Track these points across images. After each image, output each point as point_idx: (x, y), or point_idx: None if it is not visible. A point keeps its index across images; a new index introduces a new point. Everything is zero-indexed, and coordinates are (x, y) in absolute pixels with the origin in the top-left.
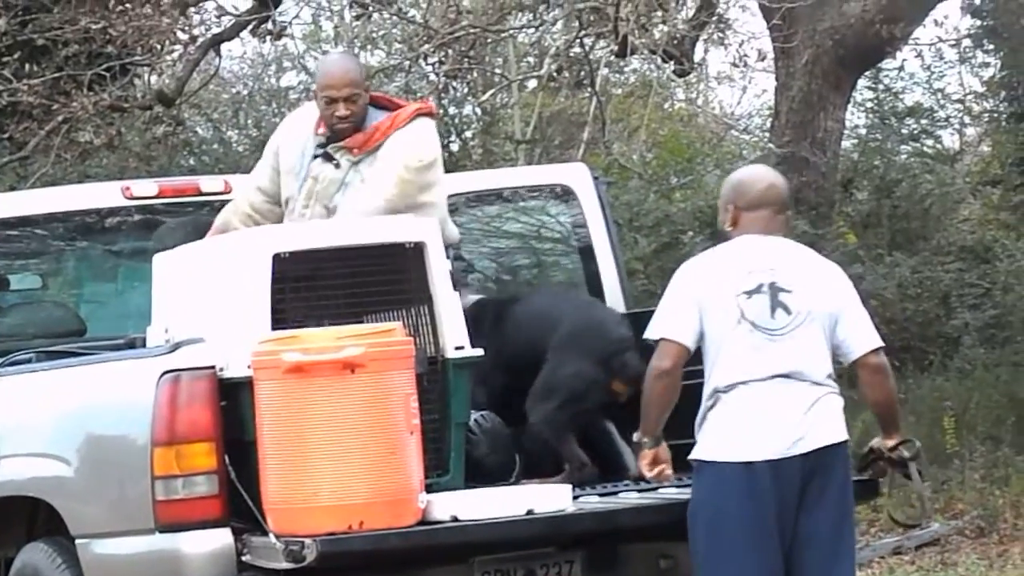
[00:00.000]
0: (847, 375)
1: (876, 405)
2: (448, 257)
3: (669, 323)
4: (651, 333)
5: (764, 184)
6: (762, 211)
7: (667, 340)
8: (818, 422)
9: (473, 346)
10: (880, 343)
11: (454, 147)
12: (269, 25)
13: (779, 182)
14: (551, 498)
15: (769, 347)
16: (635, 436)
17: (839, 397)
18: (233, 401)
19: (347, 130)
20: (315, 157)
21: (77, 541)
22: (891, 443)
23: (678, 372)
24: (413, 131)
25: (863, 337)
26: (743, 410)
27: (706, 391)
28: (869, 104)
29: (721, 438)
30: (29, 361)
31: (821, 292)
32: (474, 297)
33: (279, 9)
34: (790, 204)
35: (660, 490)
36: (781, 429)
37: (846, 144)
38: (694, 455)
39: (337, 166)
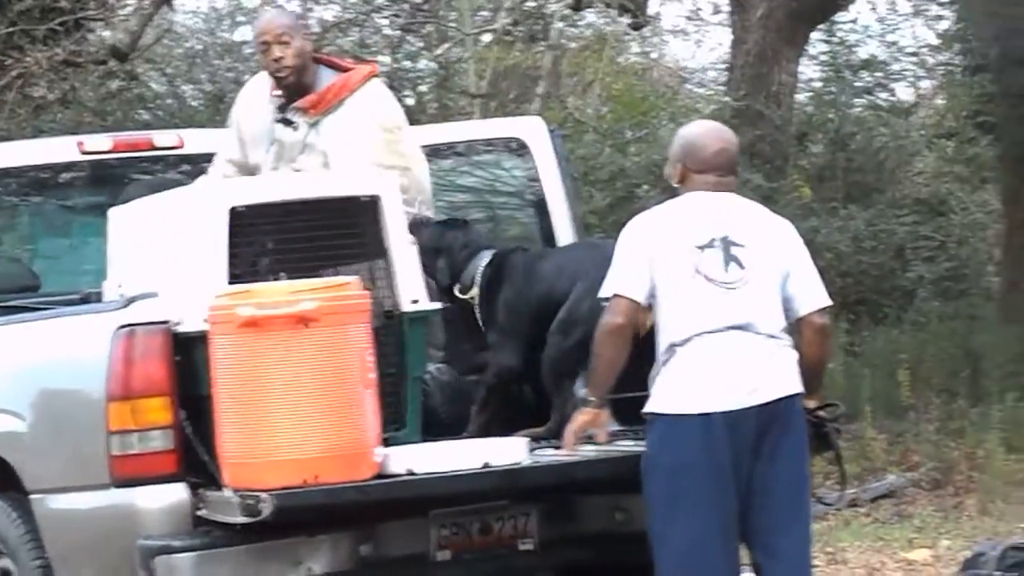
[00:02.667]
0: None
1: (809, 363)
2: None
3: (621, 280)
4: (604, 291)
5: (715, 148)
6: (710, 175)
7: (619, 296)
8: (773, 374)
9: (497, 297)
10: (828, 302)
11: (409, 101)
12: None
13: (730, 145)
14: (507, 451)
15: (723, 299)
16: (581, 392)
17: (793, 351)
18: (188, 356)
19: (290, 79)
20: (276, 122)
21: (32, 496)
22: (813, 404)
23: (630, 329)
24: (374, 94)
25: (812, 295)
26: (698, 362)
27: (661, 346)
28: (823, 57)
29: (676, 390)
30: None
31: (773, 247)
32: (488, 252)
33: None
34: (740, 163)
35: (617, 443)
36: (736, 380)
37: (800, 97)
38: (648, 408)
39: (296, 128)
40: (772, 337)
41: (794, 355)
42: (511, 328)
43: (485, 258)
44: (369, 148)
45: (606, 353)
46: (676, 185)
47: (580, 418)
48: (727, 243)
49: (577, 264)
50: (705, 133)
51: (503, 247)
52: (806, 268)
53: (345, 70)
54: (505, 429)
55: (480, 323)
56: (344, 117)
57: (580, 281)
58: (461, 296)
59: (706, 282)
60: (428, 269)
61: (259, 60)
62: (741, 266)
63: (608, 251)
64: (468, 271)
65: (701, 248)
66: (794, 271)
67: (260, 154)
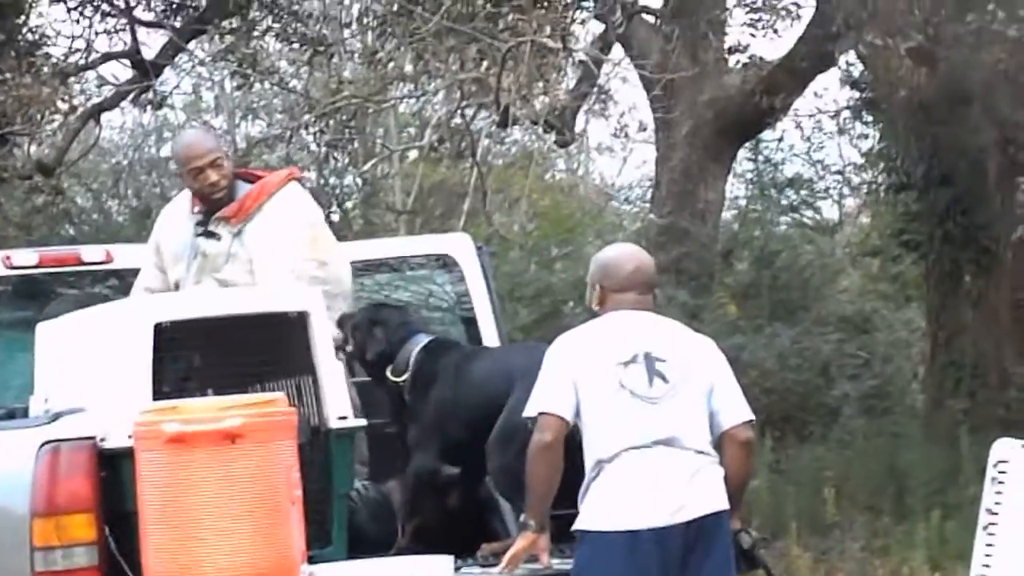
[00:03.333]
0: None
1: (733, 479)
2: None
3: (547, 398)
4: (529, 410)
5: (631, 267)
6: (629, 293)
7: (546, 414)
8: (700, 490)
9: (429, 392)
10: (751, 416)
11: (335, 217)
12: (150, 95)
13: (645, 264)
14: (432, 570)
15: (649, 414)
16: (521, 517)
17: (720, 467)
18: (114, 472)
19: (222, 199)
20: (198, 235)
21: None
22: (736, 525)
23: (560, 446)
24: (291, 195)
25: (735, 408)
26: (626, 478)
27: (588, 463)
28: (749, 175)
29: (604, 507)
30: None
31: (695, 362)
32: (424, 337)
33: (159, 79)
34: (666, 280)
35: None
36: (664, 497)
37: (726, 215)
38: (577, 525)
39: (219, 239)
40: (699, 453)
41: (720, 471)
42: (438, 428)
43: (421, 342)
44: (291, 245)
45: (539, 472)
46: (596, 308)
47: (520, 543)
48: (650, 359)
49: (514, 367)
50: (620, 254)
51: (439, 336)
52: (728, 383)
53: (261, 179)
54: (441, 541)
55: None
56: (264, 221)
57: (517, 385)
58: (393, 379)
59: (631, 397)
60: (360, 344)
61: (186, 182)
62: (665, 380)
63: (536, 348)
64: (403, 353)
65: (624, 364)
66: (717, 386)
67: (181, 270)
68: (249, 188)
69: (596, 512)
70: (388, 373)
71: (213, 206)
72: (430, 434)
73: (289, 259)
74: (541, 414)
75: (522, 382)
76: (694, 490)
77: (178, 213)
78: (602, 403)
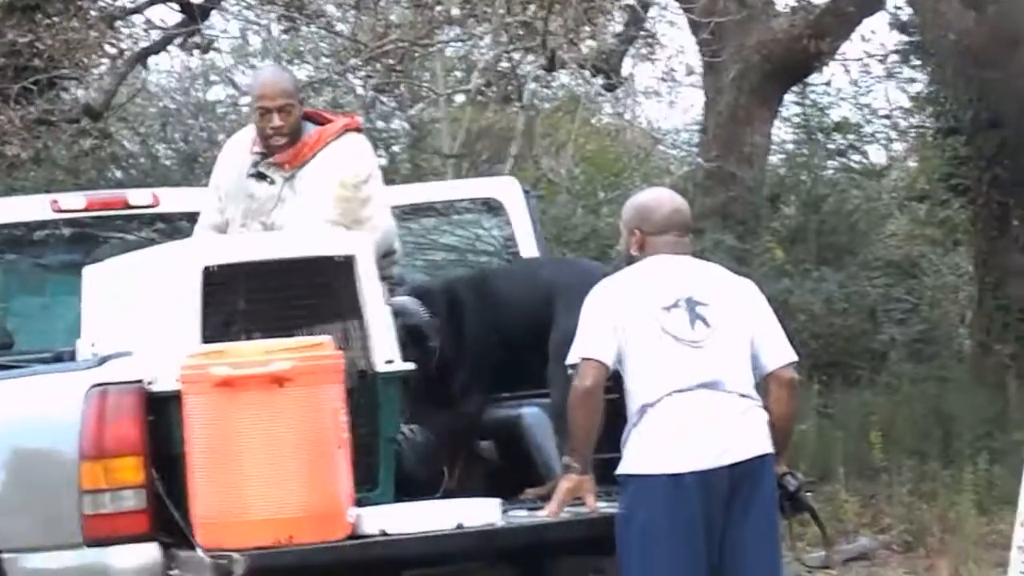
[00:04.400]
0: None
1: (778, 421)
2: (395, 264)
3: (588, 343)
4: (571, 358)
5: (669, 208)
6: (669, 235)
7: (587, 359)
8: (745, 433)
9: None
10: (794, 357)
11: (382, 161)
12: (196, 39)
13: (682, 205)
14: (481, 512)
15: (692, 358)
16: (564, 459)
17: (763, 410)
18: (161, 415)
19: (283, 144)
20: (249, 176)
21: (4, 555)
22: (781, 469)
23: (600, 391)
24: (344, 147)
25: (778, 350)
26: (669, 421)
27: (631, 407)
28: (796, 119)
29: (647, 451)
30: None
31: (737, 306)
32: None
33: (206, 23)
34: (692, 225)
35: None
36: (708, 439)
37: (773, 159)
38: (620, 470)
39: (272, 183)
40: (743, 396)
41: (765, 415)
42: (480, 362)
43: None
44: (321, 205)
45: (580, 418)
46: (635, 253)
47: (564, 485)
48: (691, 303)
49: (550, 279)
50: (656, 196)
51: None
52: (771, 325)
53: (329, 123)
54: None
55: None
56: (314, 171)
57: (559, 299)
58: None
59: (674, 342)
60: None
61: (252, 118)
62: (707, 324)
63: (583, 265)
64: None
65: (666, 309)
66: (760, 328)
67: (232, 209)
68: (310, 133)
69: (639, 456)
70: None
71: (272, 148)
72: (474, 372)
73: (318, 219)
74: (583, 359)
75: (562, 296)
76: (738, 433)
77: (239, 149)
78: (645, 349)
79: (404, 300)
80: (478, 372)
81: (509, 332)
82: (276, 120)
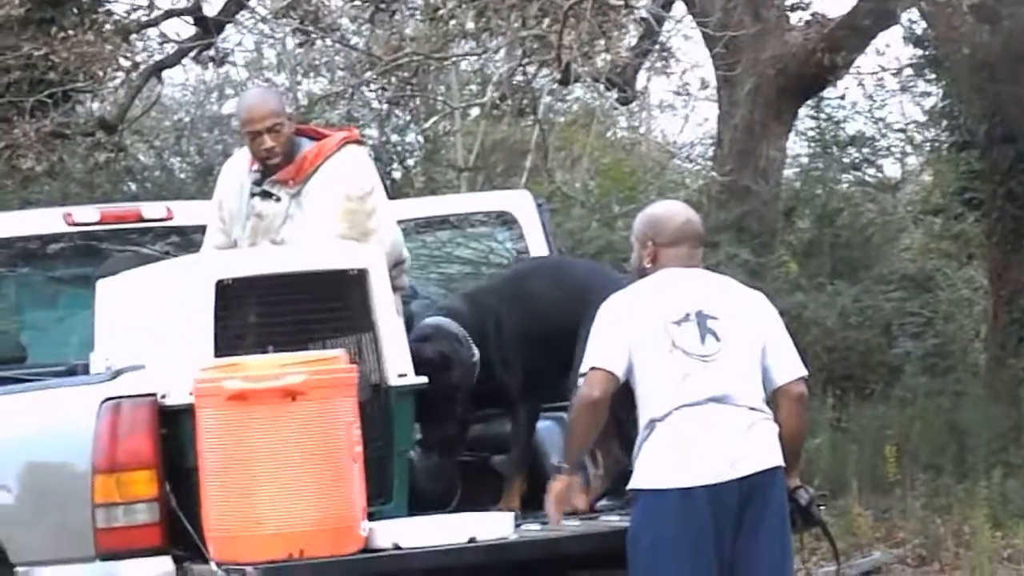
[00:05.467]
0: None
1: (791, 435)
2: (404, 274)
3: (598, 353)
4: (582, 367)
5: (681, 219)
6: (681, 247)
7: (596, 369)
8: (754, 446)
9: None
10: (804, 372)
11: (396, 174)
12: (211, 52)
13: (695, 217)
14: (493, 526)
15: (702, 372)
16: (555, 461)
17: (774, 424)
18: (175, 428)
19: (279, 162)
20: (253, 196)
21: (17, 569)
22: (793, 483)
23: (606, 402)
24: (345, 160)
25: (788, 364)
26: (679, 436)
27: (641, 421)
28: (811, 133)
29: (657, 465)
30: None
31: (747, 319)
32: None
33: (221, 36)
34: (705, 237)
35: (602, 518)
36: (717, 453)
37: (788, 173)
38: (631, 484)
39: (278, 200)
40: (752, 409)
41: (775, 428)
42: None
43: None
44: (328, 219)
45: (581, 426)
46: (648, 266)
47: (556, 487)
48: (702, 316)
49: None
50: (668, 208)
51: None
52: (781, 338)
53: (322, 137)
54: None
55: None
56: (318, 185)
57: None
58: None
59: (684, 356)
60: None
61: (244, 142)
62: (717, 338)
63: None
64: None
65: (677, 323)
66: (770, 342)
67: (238, 230)
68: (308, 148)
69: (649, 470)
70: None
71: (270, 168)
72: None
73: (325, 233)
74: (591, 369)
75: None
76: (747, 446)
77: (238, 170)
78: (655, 363)
79: (440, 320)
80: (527, 378)
81: (545, 338)
82: (268, 142)
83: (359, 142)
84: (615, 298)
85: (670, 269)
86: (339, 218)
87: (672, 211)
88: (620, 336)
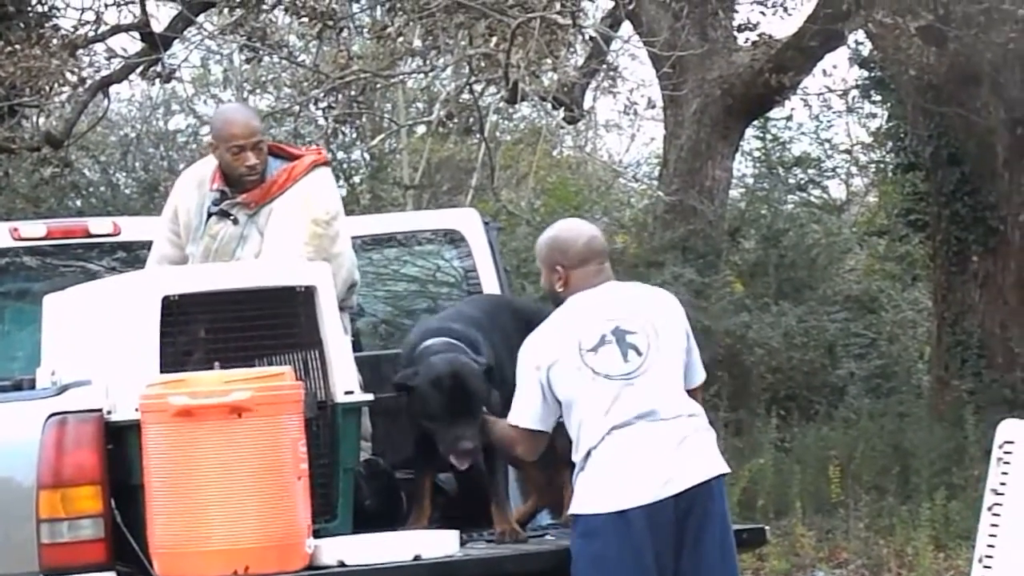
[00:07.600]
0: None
1: None
2: (354, 295)
3: (521, 410)
4: (512, 418)
5: (586, 238)
6: (590, 265)
7: (519, 428)
8: (686, 460)
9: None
10: (705, 376)
11: (342, 192)
12: (158, 68)
13: (596, 232)
14: (438, 544)
15: (628, 392)
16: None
17: (710, 430)
18: (120, 444)
19: (255, 181)
20: (210, 215)
21: None
22: None
23: (533, 455)
24: (313, 183)
25: (698, 370)
26: (612, 459)
27: (579, 453)
28: (757, 153)
29: (592, 490)
30: None
31: (665, 325)
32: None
33: (168, 52)
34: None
35: (547, 537)
36: (650, 473)
37: (734, 193)
38: (570, 510)
39: (235, 222)
40: (684, 417)
41: (711, 435)
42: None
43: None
44: (294, 242)
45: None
46: (560, 291)
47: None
48: (620, 333)
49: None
50: (571, 228)
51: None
52: (692, 343)
53: (295, 157)
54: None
55: None
56: (281, 206)
57: None
58: None
59: (607, 381)
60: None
61: (220, 157)
62: (639, 352)
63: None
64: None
65: (594, 350)
66: (687, 345)
67: (191, 247)
68: (278, 171)
69: (585, 496)
70: None
71: (243, 186)
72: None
73: (289, 254)
74: (514, 428)
75: None
76: (680, 462)
77: (198, 184)
78: (580, 395)
79: (455, 356)
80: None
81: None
82: (251, 158)
83: (326, 163)
84: (530, 340)
85: (580, 293)
86: (304, 241)
87: (575, 232)
88: (536, 384)
